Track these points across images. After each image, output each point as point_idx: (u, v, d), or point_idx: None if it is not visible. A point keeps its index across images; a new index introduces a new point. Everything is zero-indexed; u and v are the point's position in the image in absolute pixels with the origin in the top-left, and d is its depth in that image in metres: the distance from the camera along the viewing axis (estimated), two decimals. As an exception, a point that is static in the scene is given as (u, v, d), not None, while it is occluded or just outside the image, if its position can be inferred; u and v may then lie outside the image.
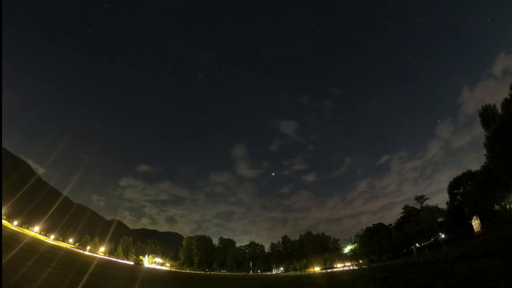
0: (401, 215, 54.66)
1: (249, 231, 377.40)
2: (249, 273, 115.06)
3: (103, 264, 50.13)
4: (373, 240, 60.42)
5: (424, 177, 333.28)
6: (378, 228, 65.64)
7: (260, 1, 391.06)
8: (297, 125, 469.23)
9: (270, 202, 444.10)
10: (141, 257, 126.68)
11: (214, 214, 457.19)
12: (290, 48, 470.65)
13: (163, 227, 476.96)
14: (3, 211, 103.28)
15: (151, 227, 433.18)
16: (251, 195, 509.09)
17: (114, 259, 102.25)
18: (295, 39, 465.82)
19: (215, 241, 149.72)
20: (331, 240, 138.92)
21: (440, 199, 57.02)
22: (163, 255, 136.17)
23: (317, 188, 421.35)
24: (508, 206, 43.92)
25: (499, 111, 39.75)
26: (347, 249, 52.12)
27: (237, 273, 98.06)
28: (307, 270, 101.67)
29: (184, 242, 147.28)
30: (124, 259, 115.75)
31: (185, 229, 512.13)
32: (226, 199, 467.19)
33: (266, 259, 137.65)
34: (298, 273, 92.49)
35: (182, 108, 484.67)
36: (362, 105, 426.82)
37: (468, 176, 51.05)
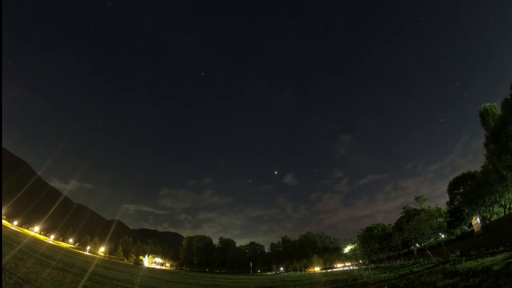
0: (401, 215, 54.62)
1: (273, 231, 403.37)
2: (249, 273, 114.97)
3: (103, 264, 50.11)
4: (373, 240, 60.35)
5: (440, 177, 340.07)
6: (378, 229, 65.65)
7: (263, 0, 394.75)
8: (348, 138, 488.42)
9: (303, 205, 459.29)
10: (141, 257, 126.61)
11: (246, 217, 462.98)
12: (292, 46, 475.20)
13: (186, 231, 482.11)
14: (3, 211, 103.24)
15: (153, 228, 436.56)
16: (286, 200, 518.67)
17: (114, 259, 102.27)
18: (297, 38, 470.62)
19: (215, 241, 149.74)
20: (331, 240, 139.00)
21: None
22: (163, 255, 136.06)
23: (347, 192, 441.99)
24: (508, 206, 43.89)
25: (499, 111, 39.80)
26: (347, 249, 51.91)
27: (238, 275, 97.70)
28: (307, 270, 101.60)
29: (184, 242, 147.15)
30: (124, 259, 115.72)
31: (207, 232, 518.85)
32: (263, 206, 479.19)
33: (266, 259, 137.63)
34: (298, 273, 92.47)
35: (243, 123, 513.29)
36: (391, 115, 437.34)
37: (468, 176, 51.05)
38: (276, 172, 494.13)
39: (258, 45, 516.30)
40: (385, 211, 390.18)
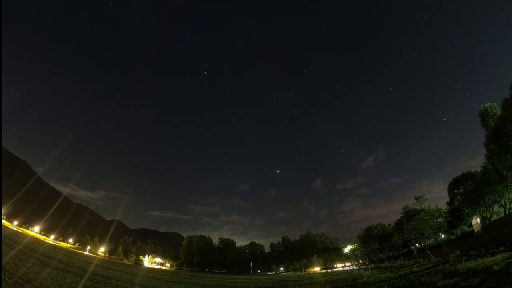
0: (401, 215, 54.49)
1: (290, 231, 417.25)
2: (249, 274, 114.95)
3: (103, 264, 50.09)
4: (373, 240, 60.32)
5: (449, 178, 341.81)
6: (378, 229, 65.55)
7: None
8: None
9: (325, 207, 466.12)
10: (141, 257, 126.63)
11: (268, 219, 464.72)
12: (293, 45, 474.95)
13: (203, 233, 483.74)
14: (3, 211, 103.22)
15: (153, 227, 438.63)
16: (311, 202, 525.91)
17: (114, 259, 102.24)
18: (299, 37, 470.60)
19: (215, 241, 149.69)
20: (331, 240, 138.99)
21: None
22: (163, 255, 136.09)
23: (367, 195, 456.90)
24: (508, 206, 43.88)
25: (499, 111, 39.79)
26: (347, 249, 51.94)
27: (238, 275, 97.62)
28: (307, 270, 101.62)
29: (184, 242, 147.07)
30: (124, 259, 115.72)
31: (224, 234, 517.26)
32: (288, 208, 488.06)
33: (266, 259, 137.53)
34: (298, 273, 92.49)
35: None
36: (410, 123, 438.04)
37: (468, 176, 51.00)
38: (278, 171, 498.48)
39: (260, 44, 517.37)
40: (396, 211, 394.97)
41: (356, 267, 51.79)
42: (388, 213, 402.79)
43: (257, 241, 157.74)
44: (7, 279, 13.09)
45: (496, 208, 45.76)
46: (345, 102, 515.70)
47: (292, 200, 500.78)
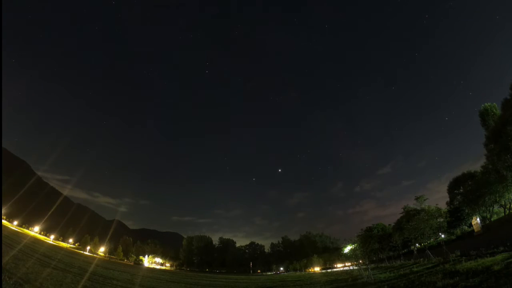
0: (401, 215, 54.51)
1: (304, 231, 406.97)
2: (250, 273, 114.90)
3: (103, 264, 50.10)
4: (373, 240, 60.35)
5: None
6: (378, 229, 65.61)
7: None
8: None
9: (341, 208, 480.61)
10: (141, 257, 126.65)
11: (285, 220, 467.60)
12: (295, 43, 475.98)
13: (217, 234, 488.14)
14: (3, 211, 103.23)
15: (153, 228, 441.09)
16: (329, 203, 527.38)
17: (114, 259, 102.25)
18: (301, 35, 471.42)
19: (215, 241, 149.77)
20: (331, 240, 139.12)
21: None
22: (163, 255, 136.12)
23: (381, 196, 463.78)
24: (508, 206, 43.88)
25: (499, 111, 39.81)
26: (347, 249, 52.01)
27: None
28: (307, 270, 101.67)
29: (184, 242, 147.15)
30: (124, 259, 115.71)
31: (238, 236, 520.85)
32: (307, 210, 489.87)
33: (266, 259, 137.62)
34: (298, 273, 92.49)
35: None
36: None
37: (468, 176, 50.99)
38: (280, 170, 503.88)
39: (261, 43, 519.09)
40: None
41: (356, 267, 51.81)
42: (396, 213, 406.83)
43: (270, 241, 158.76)
44: (7, 279, 13.09)
45: (496, 208, 45.74)
46: (346, 101, 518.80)
47: (312, 202, 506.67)
